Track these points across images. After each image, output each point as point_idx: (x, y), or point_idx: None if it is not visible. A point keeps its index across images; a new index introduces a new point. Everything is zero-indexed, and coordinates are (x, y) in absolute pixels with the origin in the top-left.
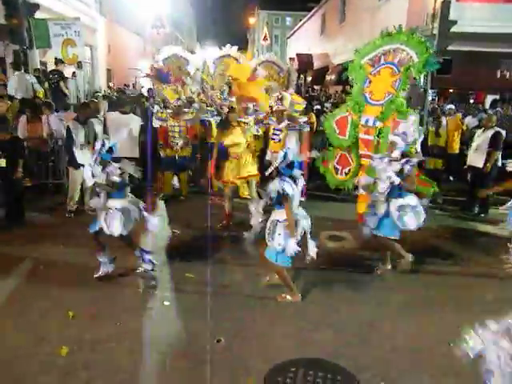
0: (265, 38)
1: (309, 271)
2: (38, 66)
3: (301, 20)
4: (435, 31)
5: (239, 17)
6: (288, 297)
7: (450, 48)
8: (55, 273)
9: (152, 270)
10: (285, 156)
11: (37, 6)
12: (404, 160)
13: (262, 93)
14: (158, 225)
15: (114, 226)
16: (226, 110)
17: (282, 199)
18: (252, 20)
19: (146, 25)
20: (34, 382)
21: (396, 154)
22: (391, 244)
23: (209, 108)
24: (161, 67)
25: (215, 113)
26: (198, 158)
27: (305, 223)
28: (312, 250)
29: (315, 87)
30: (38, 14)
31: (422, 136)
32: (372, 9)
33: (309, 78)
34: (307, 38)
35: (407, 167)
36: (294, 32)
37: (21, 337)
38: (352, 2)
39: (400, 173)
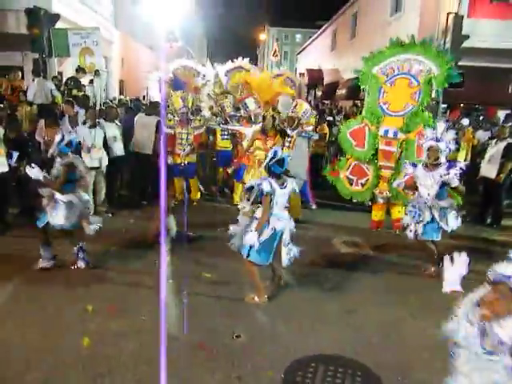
0: (275, 54)
1: (326, 273)
2: (56, 74)
3: (310, 37)
4: (447, 46)
5: (249, 33)
6: (256, 298)
7: (461, 63)
8: (69, 271)
9: (88, 265)
10: (275, 153)
11: (57, 17)
12: (447, 164)
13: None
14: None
15: (57, 218)
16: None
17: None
18: (262, 36)
19: (158, 39)
20: (56, 372)
21: (442, 159)
22: (432, 247)
23: (217, 118)
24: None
25: (222, 121)
26: (206, 166)
27: (281, 226)
28: (284, 257)
29: (325, 101)
30: (58, 24)
31: None
32: (383, 24)
33: (319, 93)
34: (317, 54)
35: (453, 172)
36: (304, 48)
37: (41, 331)
38: (363, 18)
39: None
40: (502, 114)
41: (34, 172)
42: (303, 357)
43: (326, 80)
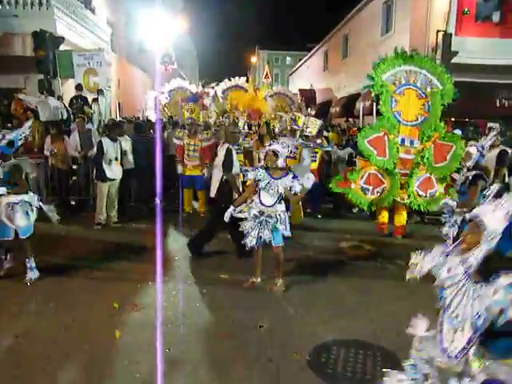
0: (266, 76)
1: (337, 269)
2: (61, 94)
3: (300, 59)
4: (437, 62)
5: (240, 56)
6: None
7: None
8: (95, 275)
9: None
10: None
11: (62, 39)
12: (471, 172)
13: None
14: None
15: (18, 220)
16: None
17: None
18: (253, 59)
19: (153, 62)
20: (94, 359)
21: (469, 163)
22: None
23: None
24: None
25: None
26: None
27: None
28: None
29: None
30: (62, 47)
31: None
32: (374, 44)
33: (312, 112)
34: (309, 75)
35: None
36: (296, 69)
37: (76, 323)
38: (354, 38)
39: (464, 183)
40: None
41: None
42: (326, 341)
43: (319, 99)
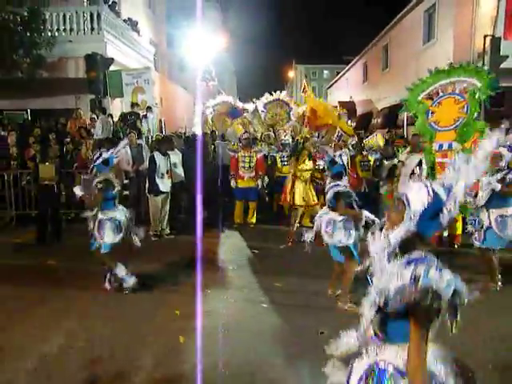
0: (304, 90)
1: None
2: (110, 112)
3: (338, 73)
4: (485, 67)
5: (277, 71)
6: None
7: (500, 84)
8: (154, 285)
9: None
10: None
11: (111, 60)
12: (507, 170)
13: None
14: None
15: (107, 237)
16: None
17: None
18: (290, 74)
19: (193, 80)
20: (160, 358)
21: (501, 164)
22: (492, 259)
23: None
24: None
25: (277, 149)
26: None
27: None
28: None
29: (360, 132)
30: (112, 68)
31: None
32: (416, 54)
33: (353, 124)
34: (349, 87)
35: (509, 176)
36: (334, 82)
37: (140, 328)
38: (395, 49)
39: (501, 181)
40: None
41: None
42: None
43: (359, 111)
